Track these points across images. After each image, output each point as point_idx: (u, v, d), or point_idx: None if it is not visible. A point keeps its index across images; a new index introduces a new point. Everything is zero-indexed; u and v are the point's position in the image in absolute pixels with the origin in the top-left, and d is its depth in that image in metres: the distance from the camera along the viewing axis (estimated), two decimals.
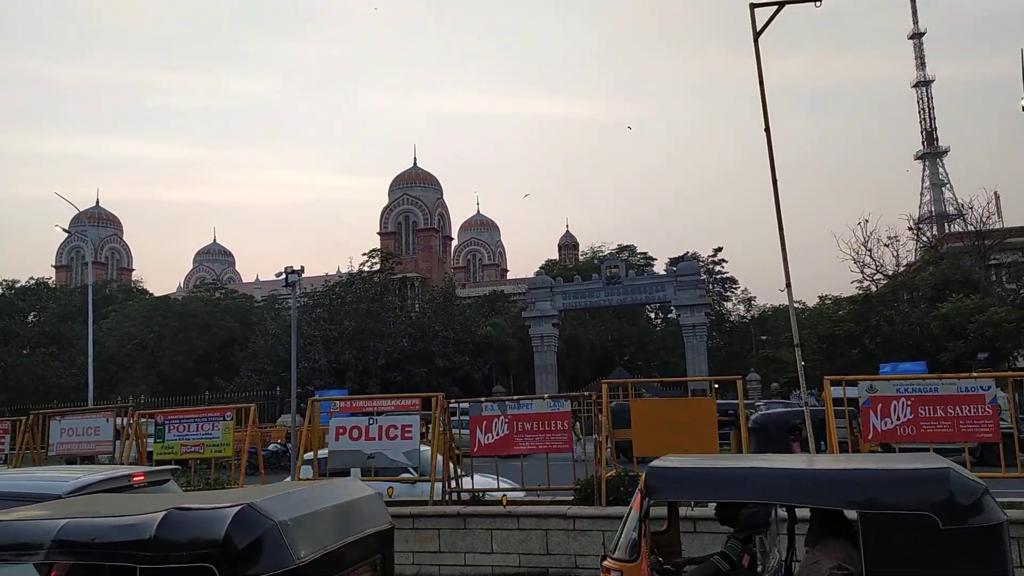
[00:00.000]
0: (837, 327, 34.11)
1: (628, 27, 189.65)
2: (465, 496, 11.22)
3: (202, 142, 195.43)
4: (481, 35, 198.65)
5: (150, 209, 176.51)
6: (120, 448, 12.81)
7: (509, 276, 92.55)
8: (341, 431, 11.77)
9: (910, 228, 46.20)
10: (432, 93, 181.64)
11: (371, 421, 11.72)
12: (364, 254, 56.57)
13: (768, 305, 55.18)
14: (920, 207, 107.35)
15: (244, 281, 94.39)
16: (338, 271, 79.32)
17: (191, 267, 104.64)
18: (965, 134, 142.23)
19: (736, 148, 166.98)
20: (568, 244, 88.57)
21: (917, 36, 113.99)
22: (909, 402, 9.68)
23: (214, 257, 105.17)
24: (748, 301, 54.69)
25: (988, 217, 42.93)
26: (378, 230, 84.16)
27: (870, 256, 37.53)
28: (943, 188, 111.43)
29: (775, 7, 10.59)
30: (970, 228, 43.49)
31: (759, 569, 5.20)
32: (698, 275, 38.58)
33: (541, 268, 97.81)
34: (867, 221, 38.02)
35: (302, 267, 22.03)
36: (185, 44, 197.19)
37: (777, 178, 10.27)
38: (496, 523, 10.20)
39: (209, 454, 12.37)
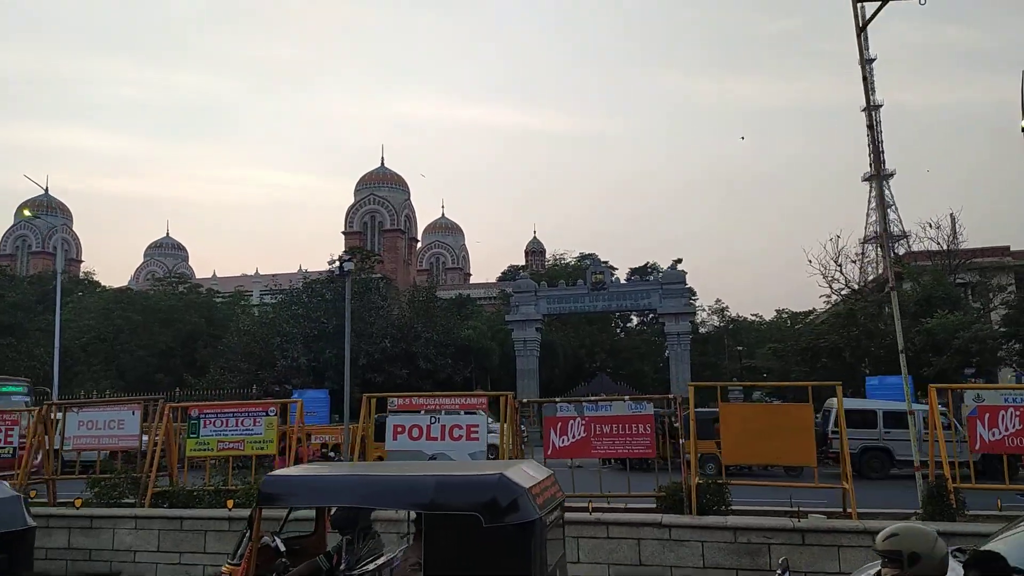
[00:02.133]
0: (822, 339, 34.34)
1: (596, 43, 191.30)
2: None
3: (156, 135, 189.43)
4: (448, 42, 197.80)
5: (100, 201, 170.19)
6: (148, 444, 11.69)
7: (472, 280, 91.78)
8: (399, 430, 11.01)
9: (864, 242, 46.85)
10: (396, 97, 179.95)
11: (433, 420, 10.99)
12: (345, 252, 55.45)
13: (739, 315, 55.72)
14: (866, 227, 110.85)
15: (199, 277, 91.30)
16: (300, 270, 77.53)
17: (142, 260, 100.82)
18: (911, 158, 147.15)
19: (695, 166, 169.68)
20: (535, 250, 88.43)
21: (868, 62, 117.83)
22: (1018, 413, 9.35)
23: (167, 251, 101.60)
24: (721, 312, 55.13)
25: (955, 237, 43.95)
26: (343, 229, 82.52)
27: (840, 272, 38.01)
28: (888, 209, 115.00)
29: (876, 2, 10.24)
30: (935, 247, 44.48)
31: (342, 567, 5.62)
32: (684, 284, 38.52)
33: (504, 273, 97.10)
34: (838, 237, 38.23)
35: (345, 260, 20.25)
36: (139, 34, 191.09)
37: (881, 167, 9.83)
38: (584, 531, 9.52)
39: (250, 451, 11.41)
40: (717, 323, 55.83)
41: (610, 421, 10.45)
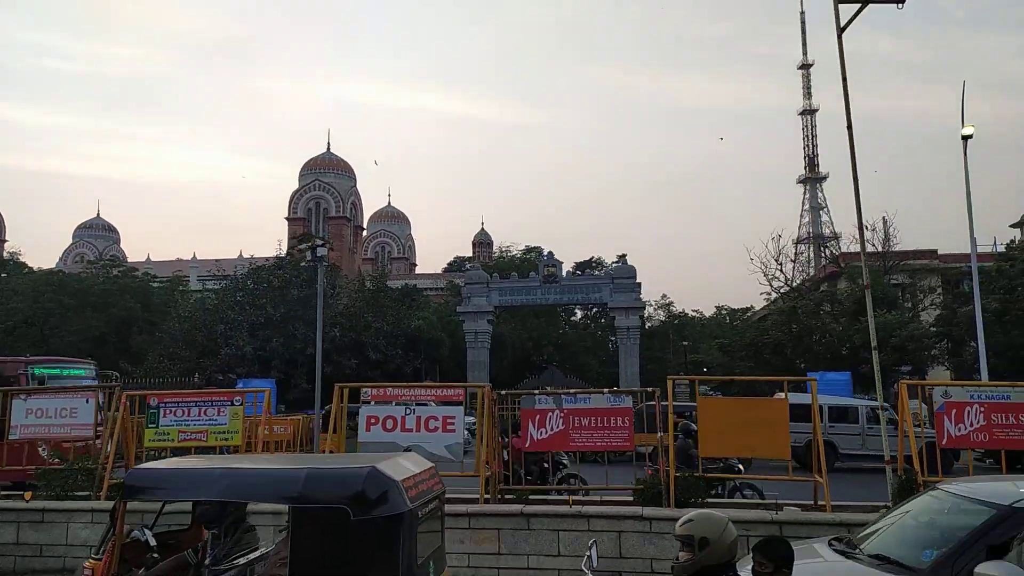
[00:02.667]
0: (766, 335, 35.24)
1: (532, 34, 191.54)
2: (510, 496, 10.44)
3: (85, 111, 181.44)
4: (392, 27, 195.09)
5: (25, 178, 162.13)
6: (105, 434, 11.13)
7: (418, 271, 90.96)
8: (373, 421, 10.80)
9: (797, 243, 48.14)
10: (341, 80, 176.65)
11: (408, 411, 10.76)
12: (294, 238, 54.17)
13: (684, 311, 56.71)
14: (800, 228, 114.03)
15: (131, 260, 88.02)
16: (241, 256, 75.45)
17: (71, 242, 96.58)
18: (843, 161, 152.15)
19: (634, 162, 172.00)
20: (483, 242, 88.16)
21: (806, 67, 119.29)
22: (983, 409, 9.69)
23: (97, 232, 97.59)
24: (667, 307, 56.03)
25: (888, 240, 45.62)
26: (287, 215, 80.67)
27: (780, 270, 39.11)
28: (821, 211, 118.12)
29: (856, 5, 10.43)
30: (870, 249, 46.11)
31: (207, 562, 5.62)
32: (634, 279, 38.87)
33: (451, 264, 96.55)
34: (780, 237, 39.38)
35: (318, 245, 19.37)
36: (67, 3, 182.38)
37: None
38: (563, 524, 9.47)
39: (213, 442, 10.96)
40: (663, 318, 56.75)
41: (589, 414, 10.41)
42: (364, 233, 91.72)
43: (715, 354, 39.65)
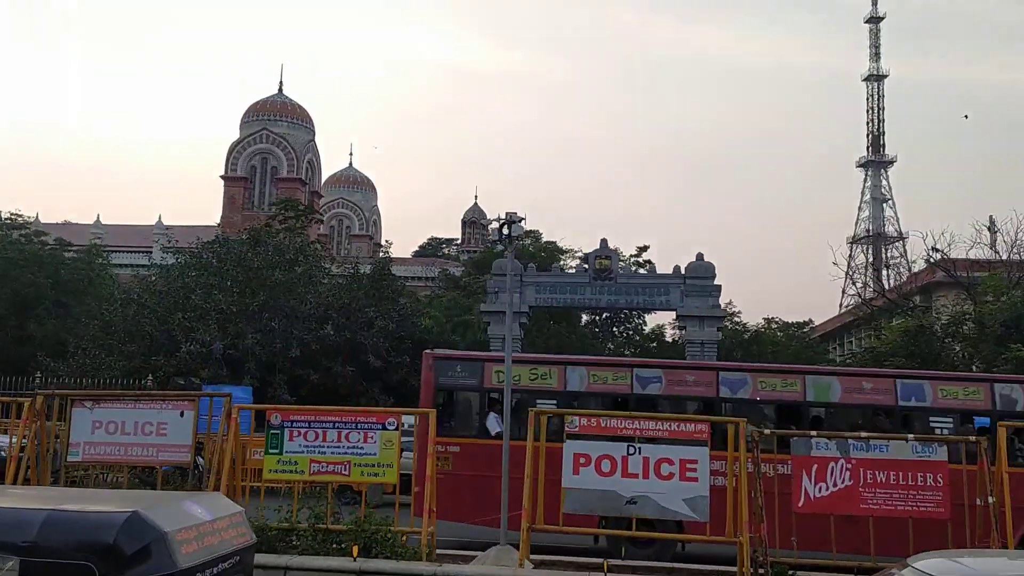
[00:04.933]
0: (887, 360, 35.14)
1: None
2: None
3: None
4: None
5: None
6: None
7: (387, 253, 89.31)
8: (583, 461, 10.38)
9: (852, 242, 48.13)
10: (293, 9, 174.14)
11: (632, 449, 10.35)
12: (273, 204, 53.18)
13: (759, 323, 56.25)
14: (856, 223, 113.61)
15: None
16: (160, 222, 73.70)
17: None
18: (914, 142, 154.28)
19: (659, 130, 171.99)
20: (475, 220, 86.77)
21: (875, 20, 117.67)
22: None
23: None
24: (730, 317, 55.75)
25: (1016, 244, 45.72)
26: (224, 173, 78.50)
27: (871, 281, 39.29)
28: (884, 204, 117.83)
29: None
30: (983, 255, 46.20)
31: None
32: (712, 279, 38.46)
33: (423, 247, 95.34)
34: (869, 235, 39.25)
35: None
36: None
37: None
38: None
39: (358, 477, 10.95)
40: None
41: (887, 467, 9.91)
42: (321, 200, 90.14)
43: None
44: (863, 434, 10.35)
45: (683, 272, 39.09)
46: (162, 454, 10.98)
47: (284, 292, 35.31)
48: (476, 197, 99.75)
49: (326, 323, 34.75)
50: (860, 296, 37.87)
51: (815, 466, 10.05)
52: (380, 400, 33.11)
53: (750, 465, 9.90)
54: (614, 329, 55.42)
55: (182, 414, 11.06)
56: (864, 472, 9.97)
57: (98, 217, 78.40)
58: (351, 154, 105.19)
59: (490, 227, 12.75)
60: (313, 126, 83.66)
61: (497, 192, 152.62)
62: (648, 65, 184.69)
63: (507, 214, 12.27)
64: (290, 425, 10.86)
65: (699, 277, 38.53)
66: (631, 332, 54.96)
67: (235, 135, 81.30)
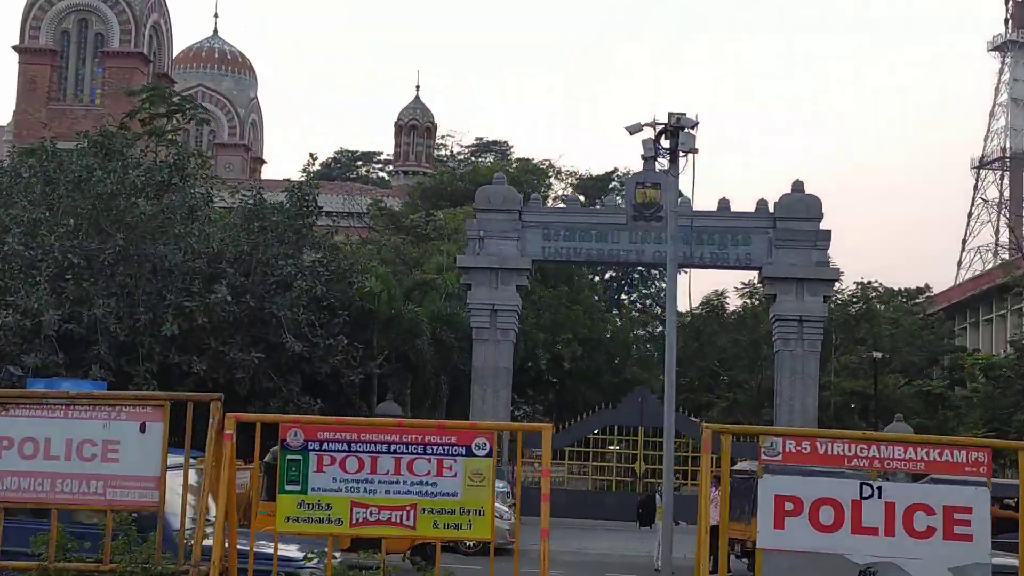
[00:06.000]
0: None
1: None
2: None
3: None
4: None
5: None
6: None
7: (269, 175, 70.38)
8: (789, 507, 7.42)
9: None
10: None
11: (869, 491, 7.35)
12: (131, 94, 42.38)
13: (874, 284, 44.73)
14: (987, 138, 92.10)
15: None
16: None
17: None
18: None
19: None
20: (417, 124, 67.15)
21: None
22: None
23: None
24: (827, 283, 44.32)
25: None
26: (17, 43, 62.41)
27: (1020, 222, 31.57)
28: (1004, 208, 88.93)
29: None
30: None
31: None
32: (819, 220, 29.21)
33: (328, 165, 72.38)
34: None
35: None
36: None
37: None
38: None
39: (429, 531, 7.77)
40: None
41: None
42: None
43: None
44: None
45: (771, 211, 29.75)
46: (113, 491, 8.00)
47: (152, 234, 26.87)
48: (418, 89, 71.34)
49: (217, 283, 26.36)
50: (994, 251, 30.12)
51: None
52: (300, 403, 26.89)
53: None
54: (623, 295, 46.29)
55: (143, 427, 8.02)
56: None
57: None
58: (216, 16, 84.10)
59: (641, 138, 10.13)
60: None
61: (453, 84, 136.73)
62: None
63: (670, 116, 9.16)
64: (317, 447, 7.77)
65: (797, 217, 29.54)
66: (648, 301, 45.75)
67: None
